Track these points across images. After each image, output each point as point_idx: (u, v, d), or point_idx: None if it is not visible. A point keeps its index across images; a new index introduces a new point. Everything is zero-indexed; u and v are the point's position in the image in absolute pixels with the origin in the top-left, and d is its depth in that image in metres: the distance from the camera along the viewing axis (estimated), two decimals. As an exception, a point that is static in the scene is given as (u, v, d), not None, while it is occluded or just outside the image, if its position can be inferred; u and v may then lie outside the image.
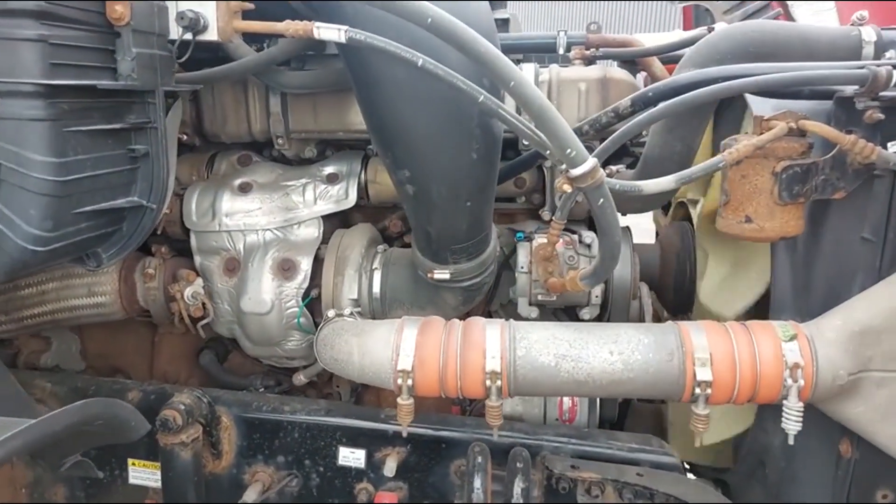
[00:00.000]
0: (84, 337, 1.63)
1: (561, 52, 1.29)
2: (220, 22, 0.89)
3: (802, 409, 0.95)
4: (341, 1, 0.90)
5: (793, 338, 0.97)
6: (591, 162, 0.85)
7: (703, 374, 0.96)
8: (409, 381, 1.03)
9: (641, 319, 1.40)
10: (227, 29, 0.90)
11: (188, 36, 0.89)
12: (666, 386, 0.99)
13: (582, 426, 1.35)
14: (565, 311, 1.39)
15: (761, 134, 0.97)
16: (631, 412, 1.65)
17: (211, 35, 0.90)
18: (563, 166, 0.87)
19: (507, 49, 1.39)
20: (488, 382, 1.01)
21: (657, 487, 1.14)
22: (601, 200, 0.87)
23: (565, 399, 1.34)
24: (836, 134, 0.91)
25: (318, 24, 0.88)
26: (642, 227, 1.48)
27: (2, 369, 0.99)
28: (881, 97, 0.89)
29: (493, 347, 1.02)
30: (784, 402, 0.96)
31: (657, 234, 1.87)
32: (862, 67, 0.85)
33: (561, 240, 1.24)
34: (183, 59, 0.91)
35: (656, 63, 1.31)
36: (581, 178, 0.85)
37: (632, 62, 1.33)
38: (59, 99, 0.77)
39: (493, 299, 1.48)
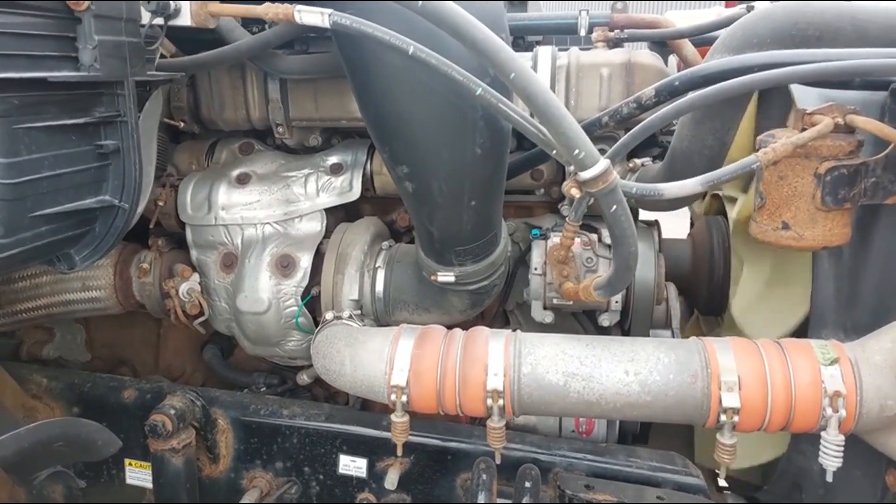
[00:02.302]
0: (90, 327, 1.60)
1: (583, 33, 1.17)
2: (193, 6, 0.80)
3: (843, 443, 0.84)
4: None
5: (834, 361, 0.85)
6: (602, 164, 0.74)
7: (730, 399, 0.86)
8: (404, 398, 0.95)
9: (668, 324, 1.29)
10: (200, 13, 0.81)
11: (159, 21, 0.80)
12: (688, 411, 0.89)
13: (600, 440, 1.25)
14: (585, 315, 1.29)
15: (803, 130, 0.85)
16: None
17: (184, 20, 0.81)
18: (572, 168, 0.77)
19: (525, 30, 1.28)
20: (490, 401, 0.92)
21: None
22: (614, 207, 0.77)
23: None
24: (890, 131, 0.79)
25: (298, 7, 0.79)
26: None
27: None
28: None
29: (496, 363, 0.93)
30: (822, 434, 0.85)
31: (691, 224, 1.75)
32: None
33: (578, 240, 1.14)
34: (154, 47, 0.83)
35: (688, 46, 1.18)
36: (591, 182, 0.75)
37: (662, 44, 1.21)
38: (7, 93, 0.70)
39: (509, 298, 1.38)
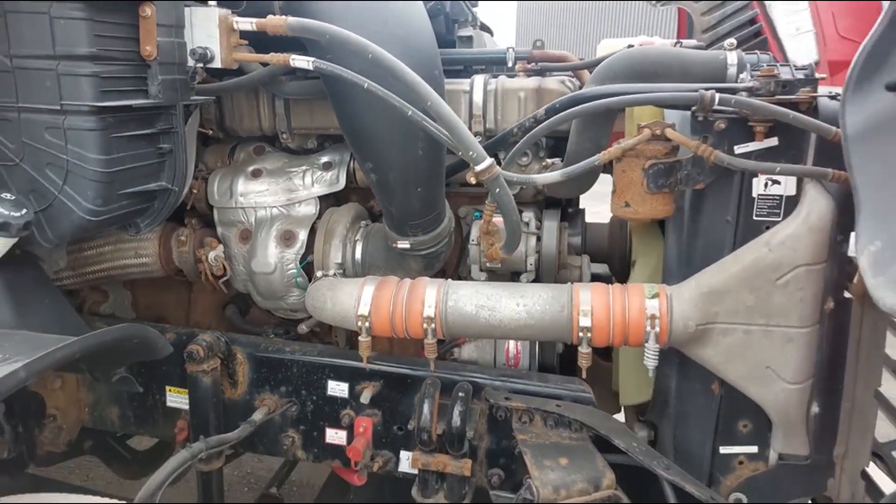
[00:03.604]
0: (135, 292, 2.01)
1: (510, 65, 1.57)
2: (222, 54, 1.21)
3: (658, 350, 1.24)
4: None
5: (655, 296, 1.25)
6: (487, 161, 1.14)
7: (585, 322, 1.25)
8: (367, 324, 1.35)
9: (581, 285, 1.68)
10: (227, 59, 1.22)
11: (200, 65, 1.21)
12: (558, 330, 1.28)
13: (524, 370, 1.65)
14: (511, 277, 1.69)
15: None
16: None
17: (216, 64, 1.22)
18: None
19: (471, 61, 1.68)
20: (425, 325, 1.32)
21: (571, 415, 1.44)
22: (497, 189, 1.17)
23: (510, 347, 1.64)
24: (685, 140, 1.18)
25: (293, 56, 1.20)
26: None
27: (66, 305, 1.35)
28: (718, 111, 1.15)
29: (430, 299, 1.33)
30: (645, 344, 1.24)
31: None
32: (696, 91, 1.12)
33: (499, 217, 1.54)
34: (195, 81, 1.24)
35: (586, 74, 1.57)
36: (481, 173, 1.15)
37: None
38: (106, 115, 1.11)
39: (461, 266, 1.78)
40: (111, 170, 1.14)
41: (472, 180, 1.18)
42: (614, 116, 1.38)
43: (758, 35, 1.78)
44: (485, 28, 2.10)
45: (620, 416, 1.78)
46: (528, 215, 1.56)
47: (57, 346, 0.98)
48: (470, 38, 1.75)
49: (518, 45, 1.66)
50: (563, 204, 1.73)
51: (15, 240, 1.07)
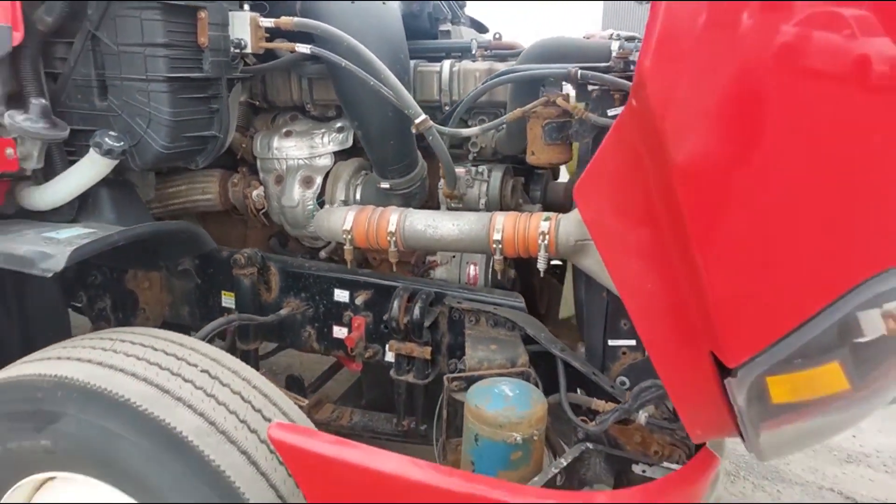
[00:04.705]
0: (205, 227, 2.63)
1: (473, 52, 2.06)
2: (252, 43, 1.77)
3: (549, 258, 1.70)
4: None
5: (548, 219, 1.71)
6: (422, 117, 1.65)
7: (497, 237, 1.74)
8: (350, 236, 1.89)
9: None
10: (255, 46, 1.78)
11: (237, 50, 1.79)
12: (480, 243, 1.77)
13: (480, 287, 2.14)
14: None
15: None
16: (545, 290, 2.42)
17: (248, 50, 1.78)
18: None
19: (447, 49, 2.18)
20: (389, 238, 1.85)
21: (504, 315, 1.91)
22: (431, 137, 1.68)
23: (471, 271, 2.13)
24: (566, 104, 1.64)
25: (298, 44, 1.75)
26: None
27: (150, 216, 1.97)
28: (587, 83, 1.61)
29: (392, 220, 1.85)
30: (539, 253, 1.71)
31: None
32: (565, 69, 1.58)
33: (465, 170, 2.04)
34: (235, 62, 1.81)
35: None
36: (419, 124, 1.66)
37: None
38: (174, 83, 1.70)
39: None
40: (177, 119, 1.72)
41: (414, 130, 1.69)
42: (536, 87, 1.84)
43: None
44: (476, 23, 2.60)
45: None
46: (483, 168, 2.04)
47: (136, 227, 1.58)
48: (448, 32, 2.25)
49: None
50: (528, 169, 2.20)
51: (117, 161, 1.67)
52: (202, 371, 1.50)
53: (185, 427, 1.37)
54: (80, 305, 2.39)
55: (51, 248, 1.46)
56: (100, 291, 2.37)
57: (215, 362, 1.55)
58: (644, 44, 0.86)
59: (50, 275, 1.41)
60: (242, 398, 1.48)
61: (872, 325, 0.95)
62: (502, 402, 1.58)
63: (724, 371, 1.07)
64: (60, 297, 2.27)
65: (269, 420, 1.45)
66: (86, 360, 1.47)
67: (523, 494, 1.33)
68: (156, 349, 1.53)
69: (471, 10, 2.64)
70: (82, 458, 1.45)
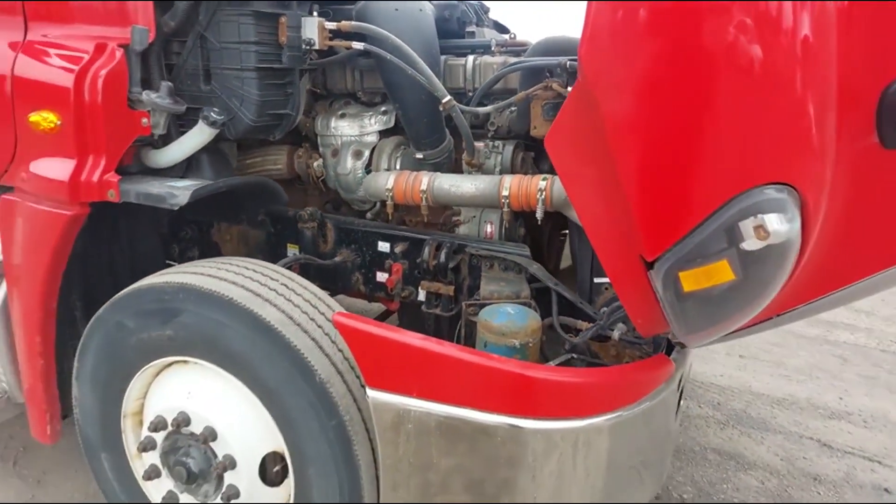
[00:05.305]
0: (272, 195, 3.19)
1: (492, 49, 2.56)
2: (319, 42, 2.30)
3: (545, 210, 2.18)
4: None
5: (545, 179, 2.20)
6: (447, 97, 2.16)
7: (505, 192, 2.23)
8: (390, 194, 2.40)
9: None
10: (321, 44, 2.31)
11: (307, 47, 2.31)
12: (493, 198, 2.26)
13: (495, 241, 2.62)
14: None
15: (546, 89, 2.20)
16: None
17: (316, 47, 2.31)
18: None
19: (465, 47, 2.68)
20: (421, 195, 2.36)
21: (512, 260, 2.40)
22: (454, 114, 2.18)
23: (487, 228, 2.62)
24: (560, 88, 2.12)
25: (353, 42, 2.27)
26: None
27: (231, 167, 2.51)
28: (573, 68, 2.08)
29: (424, 181, 2.36)
30: (537, 206, 2.19)
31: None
32: (558, 61, 2.06)
33: (483, 144, 2.53)
34: (305, 56, 2.34)
35: (538, 54, 2.52)
36: (444, 104, 2.16)
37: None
38: (261, 72, 2.24)
39: (468, 180, 2.79)
40: (262, 100, 2.26)
41: (441, 109, 2.19)
42: (540, 75, 2.32)
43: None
44: (499, 26, 3.10)
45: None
46: (499, 142, 2.54)
47: (234, 178, 2.13)
48: (473, 33, 2.76)
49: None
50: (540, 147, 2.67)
51: (218, 131, 2.21)
52: (282, 284, 2.04)
53: (272, 318, 1.90)
54: (172, 257, 2.96)
55: (175, 191, 2.01)
56: (190, 245, 2.94)
57: (290, 279, 2.08)
58: (581, 35, 1.34)
59: (177, 207, 1.95)
60: (310, 303, 2.01)
61: (747, 231, 1.42)
62: (506, 317, 2.08)
63: (649, 269, 1.55)
64: (160, 246, 2.84)
65: (328, 319, 1.97)
66: (200, 273, 2.02)
67: (525, 367, 1.81)
68: (248, 268, 2.07)
69: (496, 13, 3.15)
70: (196, 343, 1.99)
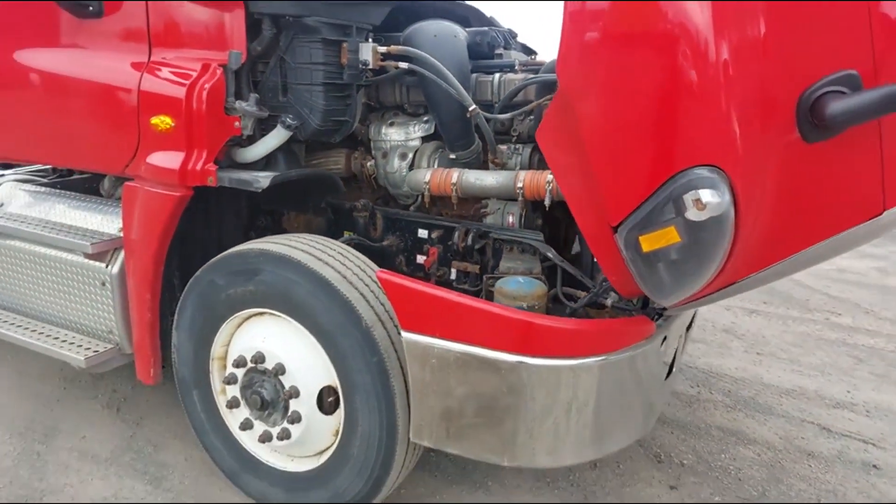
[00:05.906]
0: (332, 192, 3.76)
1: (516, 68, 3.07)
2: (372, 62, 2.86)
3: (552, 199, 2.67)
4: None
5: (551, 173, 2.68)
6: (472, 106, 2.68)
7: (520, 184, 2.72)
8: (428, 186, 2.93)
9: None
10: (375, 64, 2.86)
11: (362, 67, 2.87)
12: (510, 189, 2.76)
13: (515, 229, 3.11)
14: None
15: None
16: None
17: (370, 66, 2.87)
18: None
19: (493, 66, 3.19)
20: (452, 186, 2.87)
21: (528, 242, 2.89)
22: (479, 121, 2.70)
23: (509, 218, 3.10)
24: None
25: (401, 63, 2.82)
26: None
27: (301, 164, 3.09)
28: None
29: (454, 176, 2.88)
30: (546, 195, 2.67)
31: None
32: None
33: (506, 147, 3.04)
34: (363, 74, 2.90)
35: (553, 72, 3.01)
36: (471, 111, 2.69)
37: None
38: (326, 86, 2.80)
39: (496, 179, 3.30)
40: (327, 109, 2.83)
41: (468, 115, 2.72)
42: (553, 87, 2.81)
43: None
44: (526, 48, 3.62)
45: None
46: (520, 146, 3.04)
47: (305, 169, 2.70)
48: (500, 55, 3.28)
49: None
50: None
51: (292, 133, 2.79)
52: (338, 252, 2.58)
53: (330, 276, 2.44)
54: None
55: (260, 178, 2.59)
56: (264, 232, 3.53)
57: (345, 249, 2.63)
58: (558, 50, 1.84)
59: (261, 190, 2.53)
60: (359, 266, 2.54)
61: (689, 203, 1.88)
62: (516, 284, 2.56)
63: (615, 232, 2.02)
64: (241, 232, 3.44)
65: (373, 279, 2.50)
66: (276, 242, 2.58)
67: (527, 315, 2.29)
68: (313, 240, 2.63)
69: (524, 37, 3.67)
70: (272, 296, 2.55)
